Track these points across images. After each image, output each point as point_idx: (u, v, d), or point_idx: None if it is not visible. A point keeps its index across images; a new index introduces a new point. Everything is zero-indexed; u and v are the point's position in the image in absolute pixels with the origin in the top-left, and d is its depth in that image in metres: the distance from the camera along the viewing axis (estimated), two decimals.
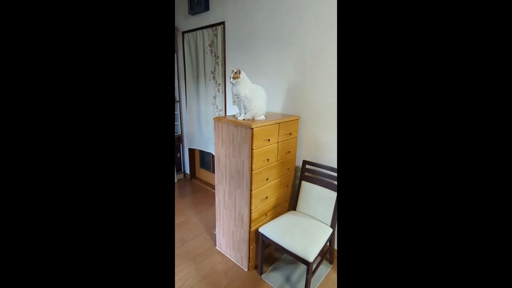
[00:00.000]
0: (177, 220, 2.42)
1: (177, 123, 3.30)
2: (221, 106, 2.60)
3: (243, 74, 1.53)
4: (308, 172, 1.88)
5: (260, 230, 1.66)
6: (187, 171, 3.42)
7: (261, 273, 1.75)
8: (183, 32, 2.84)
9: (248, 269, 1.78)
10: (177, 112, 3.26)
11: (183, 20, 2.81)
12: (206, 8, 2.44)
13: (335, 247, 1.88)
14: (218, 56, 2.49)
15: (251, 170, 1.56)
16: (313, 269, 1.56)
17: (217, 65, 2.53)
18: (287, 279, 1.71)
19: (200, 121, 2.93)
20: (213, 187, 3.07)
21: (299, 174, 1.95)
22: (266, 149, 1.63)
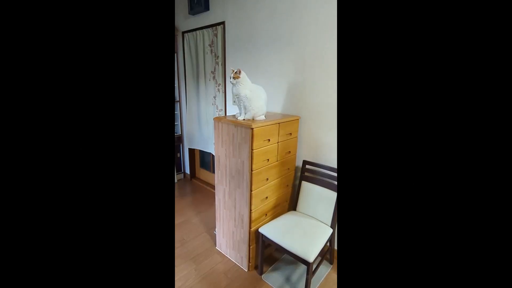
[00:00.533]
0: (177, 220, 2.42)
1: (177, 123, 3.30)
2: (221, 106, 2.60)
3: (243, 74, 1.54)
4: (308, 172, 1.88)
5: (260, 230, 1.66)
6: (187, 171, 3.42)
7: (261, 273, 1.75)
8: (183, 32, 2.84)
9: (248, 269, 1.78)
10: (177, 112, 3.26)
11: (183, 20, 2.81)
12: (206, 8, 2.44)
13: (335, 247, 1.88)
14: (218, 56, 2.49)
15: (251, 170, 1.56)
16: (313, 269, 1.56)
17: (217, 65, 2.53)
18: (287, 279, 1.71)
19: (200, 121, 2.93)
20: (213, 187, 3.07)
21: (299, 174, 1.95)
22: (266, 149, 1.63)
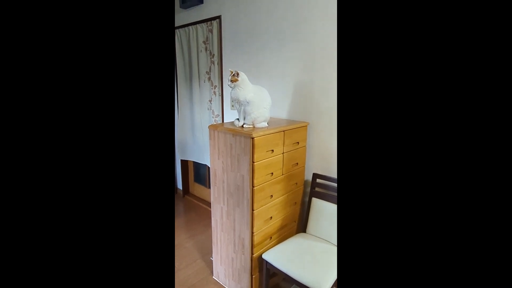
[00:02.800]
0: None
1: None
2: (218, 111, 2.64)
3: (242, 76, 1.57)
4: (319, 187, 1.88)
5: (264, 256, 1.66)
6: (180, 186, 3.45)
7: None
8: (174, 28, 2.89)
9: None
10: None
11: (174, 14, 2.85)
12: (200, 1, 2.49)
13: None
14: (213, 55, 2.55)
15: (253, 186, 1.57)
16: None
17: (212, 65, 2.58)
18: None
19: (194, 128, 2.97)
20: (209, 204, 3.09)
21: (308, 189, 1.96)
22: (270, 161, 1.63)
